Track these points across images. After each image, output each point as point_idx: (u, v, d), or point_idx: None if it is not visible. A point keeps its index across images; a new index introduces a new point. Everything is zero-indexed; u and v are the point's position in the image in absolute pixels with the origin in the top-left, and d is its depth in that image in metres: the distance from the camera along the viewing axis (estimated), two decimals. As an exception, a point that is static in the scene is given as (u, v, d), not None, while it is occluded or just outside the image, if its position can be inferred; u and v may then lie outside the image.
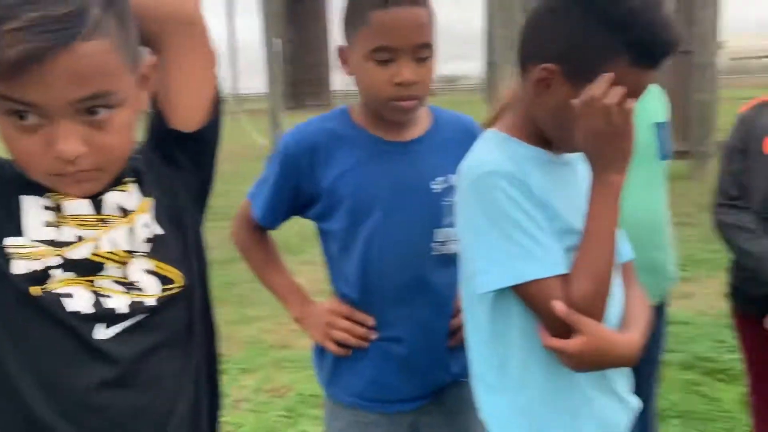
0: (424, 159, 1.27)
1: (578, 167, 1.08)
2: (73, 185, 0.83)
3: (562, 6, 0.97)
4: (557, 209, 1.01)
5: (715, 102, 7.77)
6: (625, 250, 1.12)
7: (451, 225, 1.28)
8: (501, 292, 1.01)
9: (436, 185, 1.27)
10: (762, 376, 1.71)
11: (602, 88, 0.93)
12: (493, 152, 1.03)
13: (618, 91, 0.93)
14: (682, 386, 2.76)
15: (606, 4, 0.93)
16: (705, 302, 3.74)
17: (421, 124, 1.30)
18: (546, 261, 0.97)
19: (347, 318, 1.27)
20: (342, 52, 1.25)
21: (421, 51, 1.17)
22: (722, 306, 3.50)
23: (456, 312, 1.31)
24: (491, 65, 7.86)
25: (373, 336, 1.27)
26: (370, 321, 1.26)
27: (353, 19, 1.19)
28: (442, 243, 1.27)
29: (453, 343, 1.32)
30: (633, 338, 1.02)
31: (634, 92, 0.94)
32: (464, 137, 1.33)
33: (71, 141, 0.77)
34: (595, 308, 0.97)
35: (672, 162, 1.69)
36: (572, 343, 0.96)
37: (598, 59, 0.93)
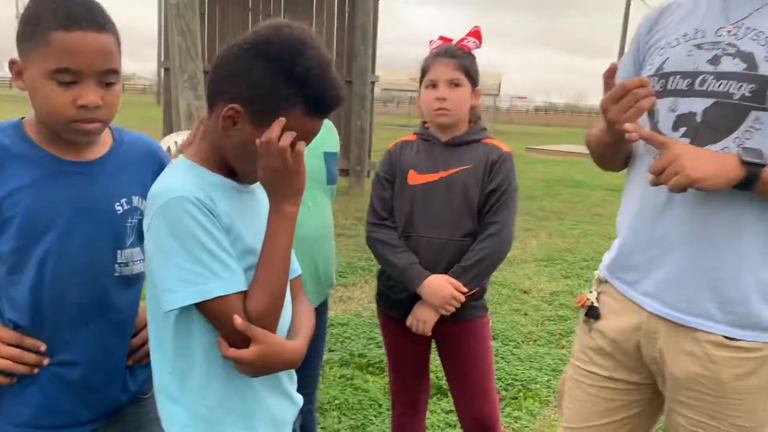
0: (106, 180, 1.27)
1: (260, 195, 1.21)
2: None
3: (252, 54, 1.09)
4: (240, 233, 1.13)
5: (371, 127, 8.85)
6: (295, 267, 1.29)
7: (134, 246, 1.30)
8: (184, 310, 1.09)
9: (119, 206, 1.28)
10: (397, 366, 2.08)
11: (277, 132, 1.07)
12: (182, 178, 1.11)
13: (290, 136, 1.08)
14: (339, 382, 3.11)
15: (287, 61, 1.07)
16: (361, 305, 4.25)
17: (101, 144, 1.29)
18: (229, 280, 1.08)
19: (16, 345, 1.20)
20: (15, 65, 1.18)
21: (107, 76, 1.17)
22: (375, 308, 4.03)
23: (136, 331, 1.33)
24: (166, 71, 7.69)
25: (45, 362, 1.22)
26: (42, 347, 1.21)
27: (32, 37, 1.14)
28: (125, 264, 1.28)
29: (132, 361, 1.34)
30: (298, 344, 1.20)
31: (306, 136, 1.12)
32: (147, 159, 1.36)
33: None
34: (270, 320, 1.12)
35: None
36: (248, 352, 1.09)
37: (277, 106, 1.08)
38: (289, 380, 1.27)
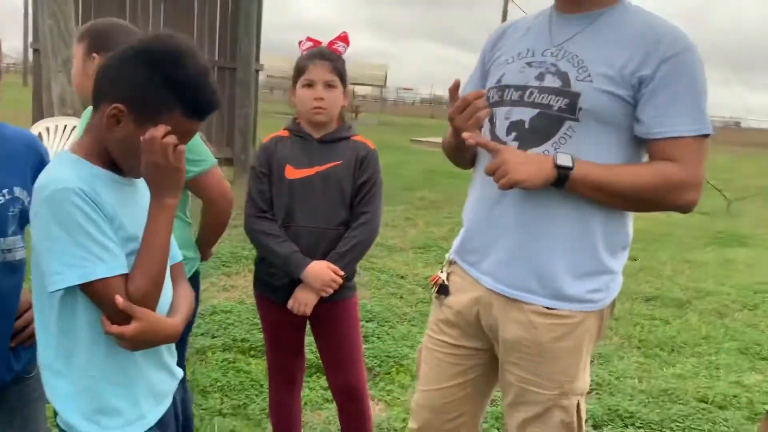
0: None
1: (141, 187, 1.33)
2: None
3: (136, 60, 1.21)
4: (122, 221, 1.25)
5: (256, 115, 8.83)
6: (174, 254, 1.41)
7: (15, 234, 1.38)
8: (69, 291, 1.20)
9: (1, 197, 1.35)
10: (275, 347, 2.24)
11: (161, 132, 1.20)
12: (67, 171, 1.21)
13: (173, 137, 1.21)
14: (222, 365, 3.21)
15: (168, 67, 1.20)
16: (244, 293, 4.34)
17: None
18: (111, 264, 1.20)
19: None
20: None
21: None
22: (255, 295, 4.14)
23: (19, 314, 1.41)
24: (35, 52, 7.29)
25: None
26: None
27: None
28: (8, 251, 1.36)
29: (15, 343, 1.41)
30: (177, 321, 1.33)
31: (184, 137, 1.25)
32: (26, 152, 1.44)
33: None
34: (149, 300, 1.25)
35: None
36: (129, 328, 1.21)
37: (158, 108, 1.21)
38: (169, 355, 1.40)
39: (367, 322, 3.90)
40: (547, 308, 1.55)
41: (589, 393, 3.13)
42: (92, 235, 1.18)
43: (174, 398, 1.41)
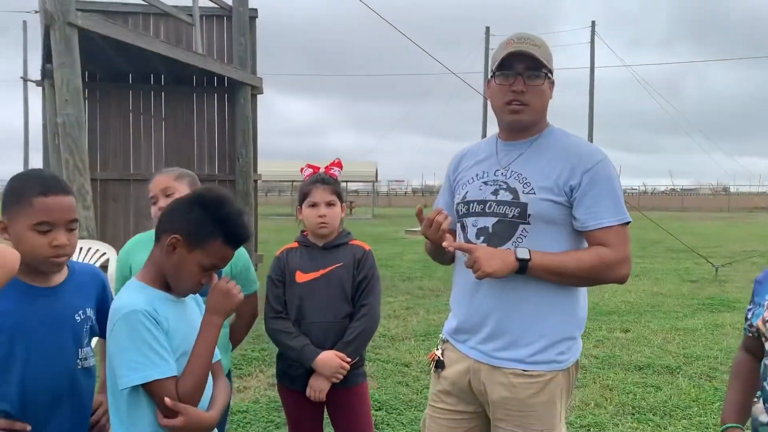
0: (68, 298, 1.72)
1: (188, 303, 1.71)
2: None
3: (191, 203, 1.64)
4: (175, 332, 1.62)
5: (256, 220, 9.30)
6: (215, 354, 1.76)
7: (88, 345, 1.75)
8: (134, 389, 1.56)
9: (78, 316, 1.72)
10: (295, 427, 2.54)
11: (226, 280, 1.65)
12: (135, 296, 1.59)
13: (237, 287, 1.66)
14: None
15: (213, 207, 1.63)
16: (258, 393, 4.57)
17: (61, 273, 1.74)
18: (164, 368, 1.56)
19: (8, 430, 1.58)
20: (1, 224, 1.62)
21: (72, 224, 1.65)
22: (270, 394, 4.39)
23: (93, 411, 1.75)
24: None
25: None
26: (28, 427, 1.60)
27: (16, 201, 1.60)
28: (84, 359, 1.72)
29: None
30: (214, 414, 1.69)
31: (223, 260, 1.64)
32: (93, 281, 1.83)
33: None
34: (194, 399, 1.61)
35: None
36: (177, 421, 1.57)
37: (206, 237, 1.62)
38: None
39: (376, 410, 4.14)
40: (524, 371, 1.89)
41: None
42: (152, 347, 1.55)
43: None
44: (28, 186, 1.61)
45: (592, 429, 3.82)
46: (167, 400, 1.54)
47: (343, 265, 2.45)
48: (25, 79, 26.18)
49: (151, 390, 1.55)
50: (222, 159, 8.95)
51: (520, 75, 1.90)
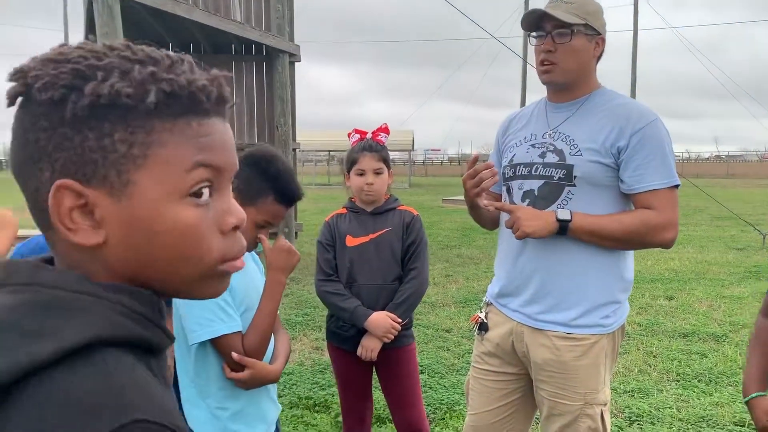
0: None
1: (248, 261, 1.74)
2: None
3: (243, 161, 1.64)
4: (237, 289, 1.65)
5: (295, 190, 9.39)
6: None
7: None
8: (201, 344, 1.61)
9: None
10: (347, 390, 2.60)
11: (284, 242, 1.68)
12: None
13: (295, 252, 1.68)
14: (291, 420, 3.55)
15: (265, 165, 1.65)
16: (302, 355, 4.69)
17: None
18: (230, 324, 1.60)
19: None
20: None
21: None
22: (315, 357, 4.49)
23: None
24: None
25: None
26: None
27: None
28: None
29: None
30: (278, 367, 1.73)
31: (275, 218, 1.67)
32: None
33: None
34: (259, 353, 1.65)
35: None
36: (243, 375, 1.62)
37: (259, 194, 1.64)
38: (274, 391, 1.78)
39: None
40: (568, 333, 1.89)
41: (630, 425, 3.37)
42: (218, 303, 1.59)
43: (276, 425, 1.79)
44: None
45: (636, 394, 3.82)
46: (234, 354, 1.59)
47: (392, 230, 2.47)
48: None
49: (218, 345, 1.60)
50: (261, 128, 9.04)
51: (549, 34, 1.89)
